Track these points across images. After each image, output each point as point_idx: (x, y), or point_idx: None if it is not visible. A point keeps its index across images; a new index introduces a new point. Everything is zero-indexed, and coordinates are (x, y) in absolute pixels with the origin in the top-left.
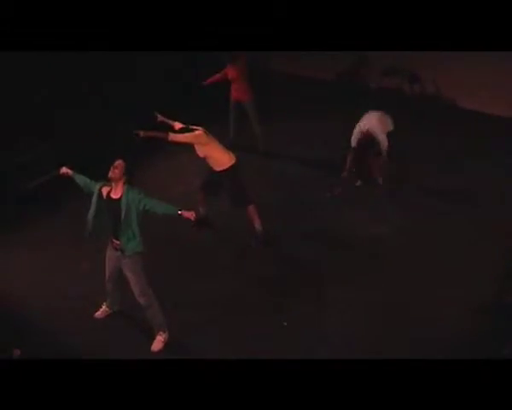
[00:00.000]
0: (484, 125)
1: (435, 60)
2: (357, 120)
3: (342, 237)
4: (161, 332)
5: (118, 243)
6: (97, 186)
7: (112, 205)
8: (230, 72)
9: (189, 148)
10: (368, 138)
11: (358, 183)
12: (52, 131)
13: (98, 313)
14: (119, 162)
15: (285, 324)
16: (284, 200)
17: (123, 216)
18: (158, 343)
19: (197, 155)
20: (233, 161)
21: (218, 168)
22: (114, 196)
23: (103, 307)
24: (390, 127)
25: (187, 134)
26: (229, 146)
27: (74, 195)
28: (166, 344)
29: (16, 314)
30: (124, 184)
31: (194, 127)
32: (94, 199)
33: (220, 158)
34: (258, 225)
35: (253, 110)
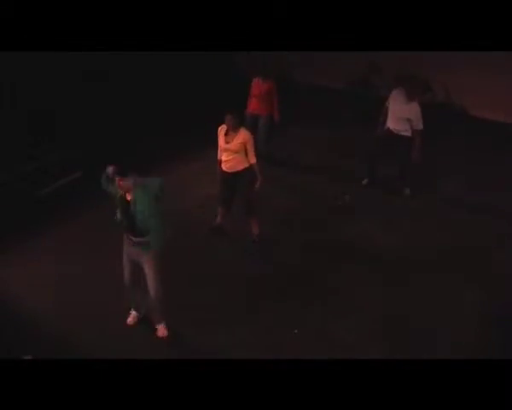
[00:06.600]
0: (497, 134)
1: (447, 67)
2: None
3: (351, 245)
4: (162, 322)
5: (139, 239)
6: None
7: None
8: (262, 87)
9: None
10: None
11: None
12: (57, 136)
13: (129, 320)
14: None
15: (296, 331)
16: (293, 207)
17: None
18: (163, 330)
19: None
20: (248, 164)
21: (234, 168)
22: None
23: (132, 312)
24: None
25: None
26: None
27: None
28: (170, 344)
29: (26, 318)
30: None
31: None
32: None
33: (244, 158)
34: (256, 231)
35: (267, 126)
